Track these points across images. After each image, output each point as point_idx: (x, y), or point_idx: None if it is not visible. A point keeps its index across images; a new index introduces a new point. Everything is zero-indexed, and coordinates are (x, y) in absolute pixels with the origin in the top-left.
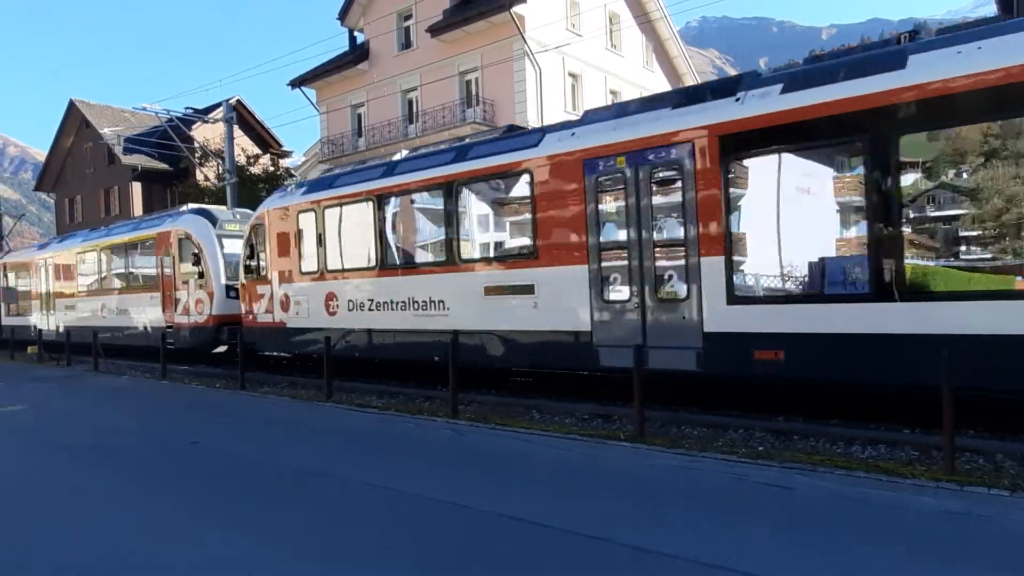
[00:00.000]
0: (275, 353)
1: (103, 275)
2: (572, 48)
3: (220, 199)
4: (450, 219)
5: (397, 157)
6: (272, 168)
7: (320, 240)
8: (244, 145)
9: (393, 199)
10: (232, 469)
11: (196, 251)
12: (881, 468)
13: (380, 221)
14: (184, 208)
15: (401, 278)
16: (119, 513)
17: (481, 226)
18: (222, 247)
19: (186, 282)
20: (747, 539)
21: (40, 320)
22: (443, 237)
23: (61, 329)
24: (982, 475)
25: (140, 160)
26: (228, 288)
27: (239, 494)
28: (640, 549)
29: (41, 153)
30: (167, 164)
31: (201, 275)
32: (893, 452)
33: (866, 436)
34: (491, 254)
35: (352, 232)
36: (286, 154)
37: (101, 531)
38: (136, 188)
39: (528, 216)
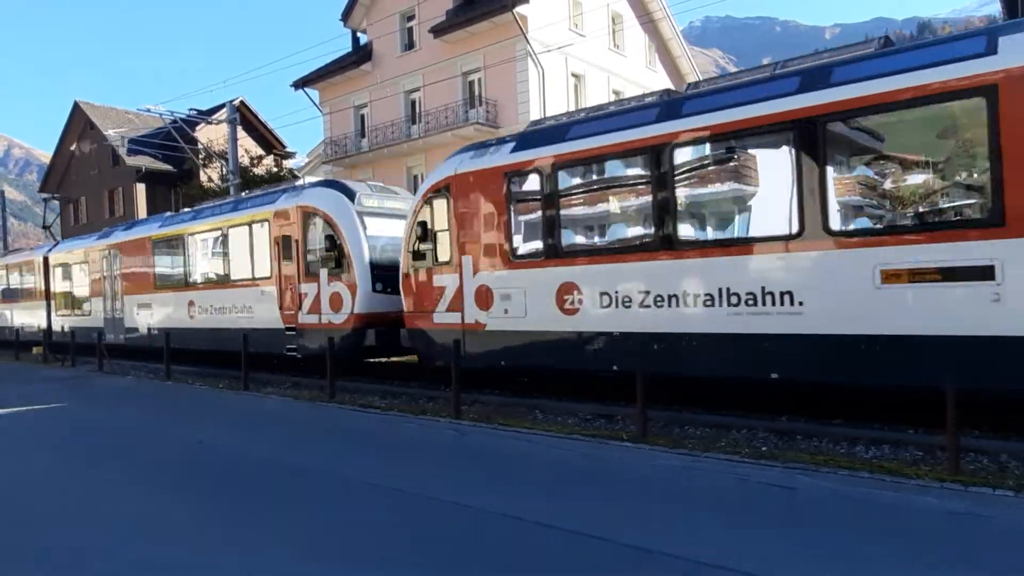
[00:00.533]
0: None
1: (191, 266)
2: (575, 48)
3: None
4: (804, 172)
5: (671, 95)
6: (276, 169)
7: (550, 211)
8: (247, 146)
9: (687, 149)
10: (236, 469)
11: (331, 233)
12: (885, 468)
13: (663, 180)
14: (302, 182)
15: (705, 260)
16: (124, 512)
17: (869, 181)
18: (364, 227)
19: (315, 273)
20: (749, 539)
21: (103, 321)
22: (792, 199)
23: (144, 331)
24: (986, 475)
25: (144, 161)
26: (374, 279)
27: (243, 494)
28: (642, 549)
29: (46, 155)
30: (171, 165)
31: (338, 263)
32: (897, 452)
33: (870, 436)
34: (893, 221)
35: (609, 198)
36: (289, 155)
37: (106, 530)
38: (140, 189)
39: (980, 158)
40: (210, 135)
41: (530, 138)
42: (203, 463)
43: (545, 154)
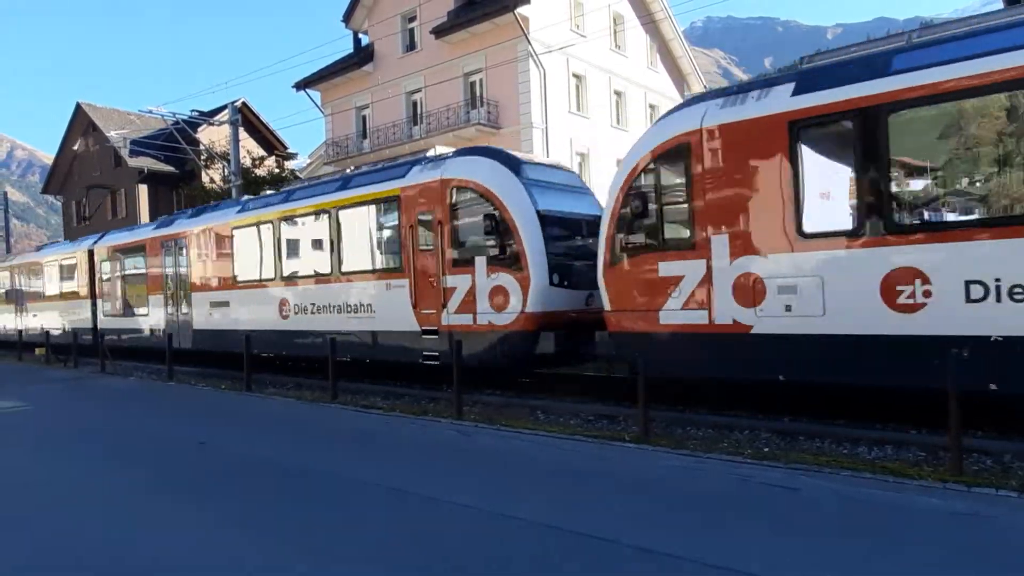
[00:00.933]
0: (708, 376)
1: (284, 257)
2: (576, 49)
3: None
4: None
5: None
6: (277, 170)
7: (871, 170)
8: (249, 147)
9: None
10: (238, 469)
11: (493, 211)
12: (887, 469)
13: None
14: (435, 150)
15: None
16: (128, 513)
17: None
18: (536, 205)
19: (468, 262)
20: (752, 540)
21: (164, 322)
22: None
23: (219, 334)
24: (990, 476)
25: (146, 163)
26: (550, 269)
27: (245, 494)
28: (645, 550)
29: (48, 156)
30: (173, 167)
31: (503, 250)
32: (899, 453)
33: (872, 437)
34: None
35: (986, 147)
36: (291, 156)
37: (110, 531)
38: (143, 190)
39: None
40: (212, 136)
41: (819, 76)
42: (205, 464)
43: (860, 94)
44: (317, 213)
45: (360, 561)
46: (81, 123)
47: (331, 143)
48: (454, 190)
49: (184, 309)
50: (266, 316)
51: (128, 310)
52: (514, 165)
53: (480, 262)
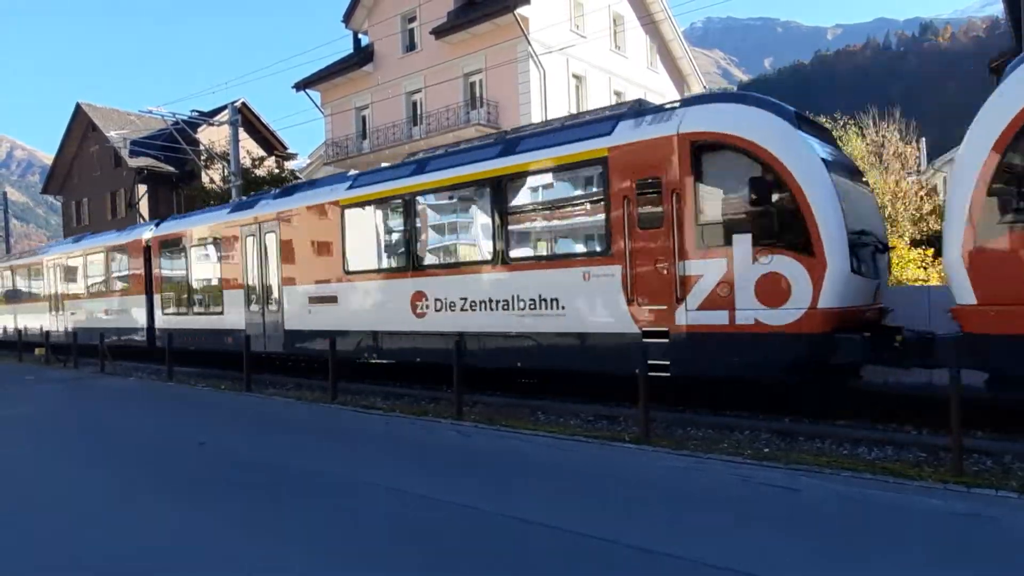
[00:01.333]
0: None
1: (421, 240)
2: (576, 49)
3: (225, 202)
4: None
5: None
6: (277, 170)
7: None
8: (249, 147)
9: None
10: (238, 470)
11: (768, 176)
12: (888, 470)
13: None
14: (639, 99)
15: None
16: (127, 513)
17: None
18: (827, 169)
19: (722, 242)
20: (752, 540)
21: (244, 322)
22: None
23: (323, 335)
24: (990, 477)
25: (146, 163)
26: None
27: (245, 494)
28: (645, 550)
29: (48, 156)
30: (173, 167)
31: (782, 227)
32: (900, 454)
33: (873, 437)
34: None
35: None
36: (291, 156)
37: (109, 531)
38: (142, 191)
39: None
40: (212, 136)
41: None
42: (204, 464)
43: None
44: (471, 185)
45: (360, 561)
46: (81, 123)
47: (331, 143)
48: (698, 147)
49: (272, 307)
50: (391, 314)
51: (196, 308)
52: (787, 114)
53: (742, 242)
